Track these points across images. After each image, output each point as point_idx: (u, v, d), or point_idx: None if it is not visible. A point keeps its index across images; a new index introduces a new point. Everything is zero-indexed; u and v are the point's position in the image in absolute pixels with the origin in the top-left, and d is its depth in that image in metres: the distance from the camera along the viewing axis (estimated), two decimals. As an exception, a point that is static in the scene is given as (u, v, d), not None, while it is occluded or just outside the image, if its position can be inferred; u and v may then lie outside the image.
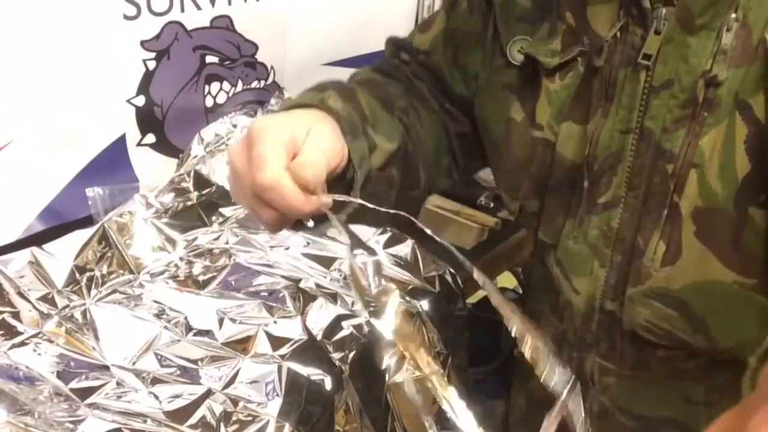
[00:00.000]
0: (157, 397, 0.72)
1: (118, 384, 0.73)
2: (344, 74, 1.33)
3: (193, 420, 0.69)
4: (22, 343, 0.77)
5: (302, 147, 0.55)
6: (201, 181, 1.02)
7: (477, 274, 0.54)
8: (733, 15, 0.55)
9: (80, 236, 0.88)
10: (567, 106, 0.65)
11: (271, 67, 1.15)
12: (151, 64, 0.98)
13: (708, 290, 0.60)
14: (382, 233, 0.94)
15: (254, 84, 1.14)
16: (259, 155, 0.53)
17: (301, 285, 0.87)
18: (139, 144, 1.02)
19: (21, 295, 0.81)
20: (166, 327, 0.81)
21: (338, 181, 0.61)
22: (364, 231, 0.99)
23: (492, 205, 1.16)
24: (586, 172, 0.64)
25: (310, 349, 0.78)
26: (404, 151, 0.70)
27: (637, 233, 0.62)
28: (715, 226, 0.57)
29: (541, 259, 0.74)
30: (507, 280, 1.56)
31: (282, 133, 0.55)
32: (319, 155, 0.55)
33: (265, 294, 0.86)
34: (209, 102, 1.09)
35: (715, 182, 0.56)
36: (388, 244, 0.93)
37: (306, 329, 0.80)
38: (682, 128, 0.57)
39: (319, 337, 0.80)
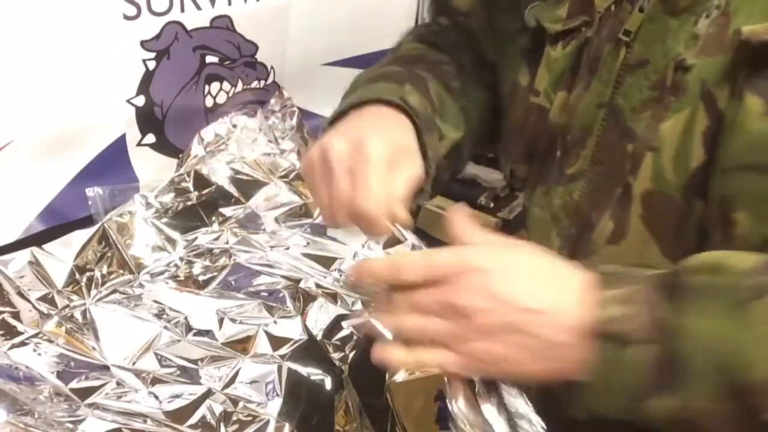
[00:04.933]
0: (157, 397, 0.72)
1: (118, 384, 0.73)
2: (344, 74, 1.33)
3: (193, 420, 0.69)
4: (22, 343, 0.77)
5: (396, 173, 0.60)
6: (201, 181, 1.02)
7: None
8: (716, 2, 0.54)
9: (80, 236, 0.88)
10: (566, 75, 0.65)
11: (271, 67, 1.15)
12: (151, 64, 0.98)
13: None
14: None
15: (254, 84, 1.14)
16: (364, 178, 0.58)
17: (301, 285, 0.87)
18: (139, 144, 1.02)
19: (21, 295, 0.81)
20: (166, 327, 0.81)
21: None
22: (359, 232, 0.98)
23: (492, 205, 1.16)
24: (560, 142, 0.64)
25: (310, 349, 0.78)
26: (466, 136, 0.73)
27: (593, 208, 0.61)
28: (660, 212, 0.56)
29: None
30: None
31: (385, 152, 0.59)
32: (409, 190, 0.61)
33: (265, 294, 0.86)
34: (209, 102, 1.08)
35: (668, 168, 0.55)
36: (388, 245, 0.93)
37: (306, 329, 0.80)
38: (649, 110, 0.57)
39: (319, 337, 0.80)
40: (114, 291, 0.87)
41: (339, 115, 0.68)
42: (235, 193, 1.04)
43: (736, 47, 0.51)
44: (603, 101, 0.60)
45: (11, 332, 0.78)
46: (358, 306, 0.85)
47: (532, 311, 0.47)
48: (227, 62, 1.08)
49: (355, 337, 0.81)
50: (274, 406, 0.71)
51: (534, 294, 0.48)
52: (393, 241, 0.61)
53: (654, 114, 0.56)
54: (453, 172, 0.75)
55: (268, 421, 0.69)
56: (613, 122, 0.60)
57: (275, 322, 0.81)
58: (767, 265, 0.45)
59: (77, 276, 0.86)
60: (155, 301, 0.85)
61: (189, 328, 0.81)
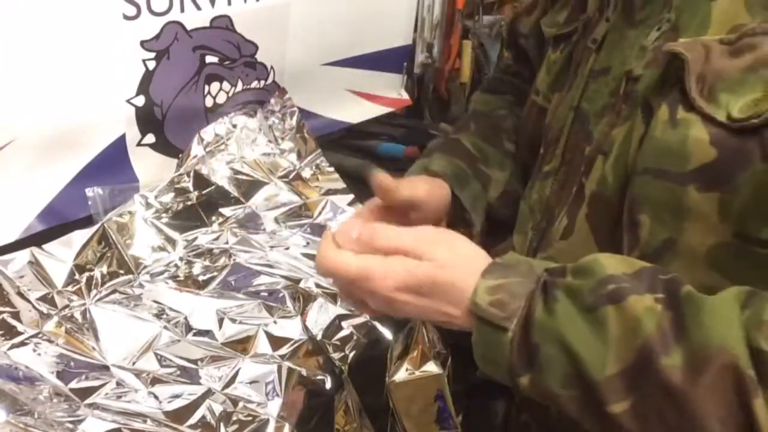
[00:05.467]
0: (157, 397, 0.72)
1: (118, 384, 0.73)
2: (344, 74, 1.34)
3: (193, 420, 0.69)
4: (22, 343, 0.77)
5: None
6: (201, 181, 1.02)
7: None
8: (667, 15, 0.56)
9: (80, 236, 0.88)
10: (561, 77, 0.69)
11: (271, 67, 1.15)
12: (151, 64, 0.98)
13: None
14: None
15: (254, 84, 1.14)
16: None
17: (301, 285, 0.87)
18: (139, 144, 1.02)
19: (21, 295, 0.81)
20: (166, 327, 0.81)
21: (461, 222, 0.75)
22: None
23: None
24: (543, 140, 0.68)
25: (310, 349, 0.78)
26: (514, 171, 0.79)
27: (557, 205, 0.64)
28: (601, 213, 0.58)
29: None
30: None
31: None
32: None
33: (265, 294, 0.86)
34: (209, 102, 1.08)
35: (610, 172, 0.57)
36: None
37: (306, 329, 0.80)
38: (606, 116, 0.59)
39: (319, 337, 0.80)
40: (114, 291, 0.87)
41: None
42: (235, 193, 1.04)
43: (666, 59, 0.53)
44: (573, 104, 0.63)
45: (11, 332, 0.78)
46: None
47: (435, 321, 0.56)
48: (227, 62, 1.08)
49: (355, 337, 0.81)
50: (274, 406, 0.71)
51: (443, 266, 0.53)
52: None
53: (609, 120, 0.59)
54: (518, 197, 0.80)
55: (268, 421, 0.69)
56: (579, 125, 0.63)
57: (275, 322, 0.81)
58: (645, 271, 0.49)
59: (77, 276, 0.86)
60: (155, 301, 0.85)
61: (189, 328, 0.81)
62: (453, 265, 0.53)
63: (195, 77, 1.05)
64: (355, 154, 1.28)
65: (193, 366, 0.76)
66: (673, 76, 0.52)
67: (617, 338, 0.46)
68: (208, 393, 0.72)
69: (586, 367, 0.47)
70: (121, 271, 0.90)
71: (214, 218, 1.01)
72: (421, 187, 0.70)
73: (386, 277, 0.53)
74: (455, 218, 0.75)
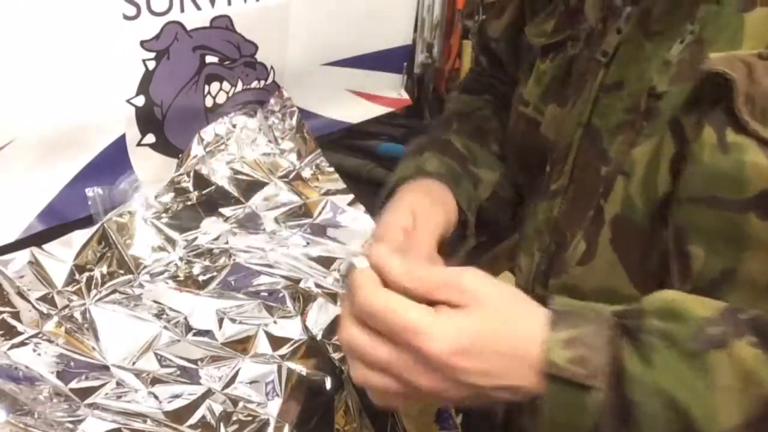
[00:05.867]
0: (157, 397, 0.72)
1: (118, 384, 0.73)
2: (344, 74, 1.33)
3: (193, 420, 0.69)
4: (22, 343, 0.77)
5: (418, 236, 0.65)
6: (201, 181, 1.02)
7: None
8: (689, 27, 0.53)
9: (80, 236, 0.88)
10: (554, 88, 0.65)
11: (271, 67, 1.15)
12: (151, 64, 0.98)
13: (612, 299, 0.56)
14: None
15: (254, 84, 1.14)
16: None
17: (301, 285, 0.87)
18: (139, 144, 1.02)
19: (21, 295, 0.81)
20: (166, 327, 0.81)
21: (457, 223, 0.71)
22: (359, 232, 0.99)
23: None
24: (549, 157, 0.65)
25: (310, 349, 0.78)
26: (505, 172, 0.77)
27: (569, 227, 0.61)
28: (629, 238, 0.55)
29: None
30: (507, 280, 1.56)
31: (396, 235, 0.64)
32: (435, 241, 0.66)
33: (265, 294, 0.86)
34: (209, 102, 1.08)
35: (637, 195, 0.54)
36: None
37: (306, 329, 0.80)
38: (623, 133, 0.56)
39: (319, 337, 0.80)
40: (114, 291, 0.87)
41: (385, 199, 0.73)
42: (235, 193, 1.04)
43: (701, 76, 0.50)
44: (582, 120, 0.60)
45: (11, 332, 0.78)
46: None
47: (499, 388, 0.46)
48: (227, 62, 1.08)
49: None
50: (274, 406, 0.71)
51: (499, 376, 0.45)
52: None
53: (627, 138, 0.56)
54: (507, 210, 0.79)
55: (268, 421, 0.69)
56: (589, 142, 0.59)
57: (275, 322, 0.81)
58: (726, 313, 0.45)
59: (77, 276, 0.86)
60: (155, 301, 0.85)
61: (189, 328, 0.81)
62: (508, 307, 0.47)
63: (195, 77, 1.05)
64: (355, 154, 1.28)
65: (193, 366, 0.76)
66: (709, 94, 0.49)
67: (729, 387, 0.42)
68: (208, 393, 0.72)
69: (697, 422, 0.42)
70: (121, 271, 0.90)
71: (214, 218, 1.01)
72: (438, 222, 0.67)
73: (440, 335, 0.44)
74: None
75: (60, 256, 0.86)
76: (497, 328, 0.45)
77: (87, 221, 0.95)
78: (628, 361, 0.44)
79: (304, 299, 0.85)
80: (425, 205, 0.68)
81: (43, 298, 0.82)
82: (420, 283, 0.46)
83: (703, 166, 0.49)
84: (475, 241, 0.74)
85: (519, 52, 0.78)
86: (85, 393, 0.72)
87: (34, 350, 0.77)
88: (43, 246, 0.86)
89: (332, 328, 0.81)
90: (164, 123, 1.04)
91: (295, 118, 1.14)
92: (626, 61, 0.57)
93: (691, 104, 0.51)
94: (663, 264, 0.52)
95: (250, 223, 1.01)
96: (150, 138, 1.03)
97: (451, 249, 0.68)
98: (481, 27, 0.88)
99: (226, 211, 1.02)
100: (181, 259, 0.94)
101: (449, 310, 0.45)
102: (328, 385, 0.74)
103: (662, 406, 0.42)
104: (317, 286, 0.88)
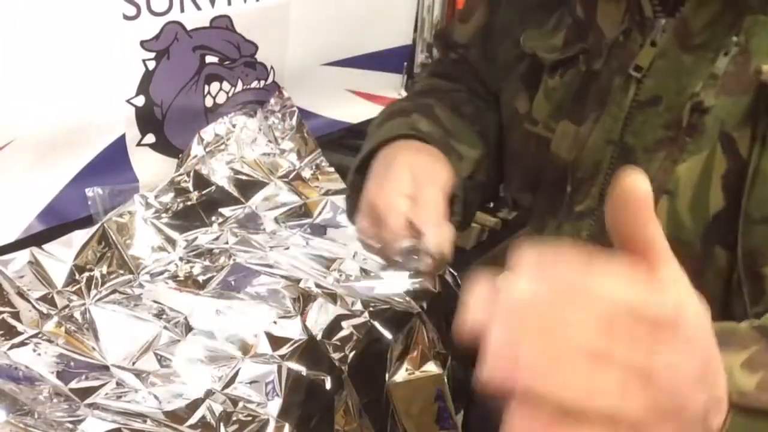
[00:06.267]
0: (157, 397, 0.72)
1: (118, 384, 0.73)
2: (344, 74, 1.33)
3: (193, 420, 0.69)
4: (22, 343, 0.77)
5: (426, 191, 0.60)
6: (201, 181, 1.02)
7: None
8: (734, 38, 0.51)
9: (80, 236, 0.88)
10: (566, 105, 0.63)
11: (271, 67, 1.15)
12: (151, 64, 0.98)
13: None
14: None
15: (254, 84, 1.14)
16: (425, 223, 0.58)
17: (301, 285, 0.87)
18: (139, 144, 1.02)
19: (21, 295, 0.81)
20: (166, 327, 0.81)
21: None
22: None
23: (492, 205, 1.16)
24: (570, 177, 0.62)
25: (310, 349, 0.78)
26: (486, 155, 0.72)
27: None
28: (678, 259, 0.52)
29: None
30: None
31: (410, 189, 0.60)
32: (445, 197, 0.61)
33: (265, 294, 0.86)
34: (209, 102, 1.08)
35: (685, 214, 0.52)
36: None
37: (306, 329, 0.80)
38: (662, 150, 0.54)
39: (319, 337, 0.80)
40: (114, 291, 0.87)
41: (366, 158, 0.69)
42: (235, 193, 1.04)
43: (756, 88, 0.48)
44: (613, 138, 0.58)
45: (11, 332, 0.78)
46: (358, 306, 0.85)
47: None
48: (227, 62, 1.08)
49: (355, 337, 0.81)
50: (274, 406, 0.71)
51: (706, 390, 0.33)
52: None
53: (668, 155, 0.53)
54: (484, 194, 0.74)
55: (268, 421, 0.69)
56: (623, 161, 0.57)
57: (275, 322, 0.81)
58: None
59: (77, 276, 0.86)
60: (155, 301, 0.85)
61: (189, 328, 0.81)
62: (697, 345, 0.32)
63: (195, 77, 1.05)
64: (355, 154, 1.27)
65: (193, 366, 0.76)
66: (766, 108, 0.47)
67: None
68: (208, 393, 0.72)
69: None
70: (121, 271, 0.90)
71: (214, 218, 1.01)
72: (443, 184, 0.63)
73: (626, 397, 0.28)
74: None
75: (60, 256, 0.86)
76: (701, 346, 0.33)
77: (87, 221, 0.95)
78: None
79: (304, 299, 0.85)
80: (424, 163, 0.63)
81: (43, 298, 0.82)
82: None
83: None
84: (459, 216, 0.68)
85: (493, 59, 0.74)
86: (85, 393, 0.72)
87: (34, 350, 0.77)
88: (43, 246, 0.86)
89: (332, 328, 0.81)
90: (164, 123, 1.04)
91: (295, 118, 1.14)
92: (664, 76, 0.54)
93: (746, 118, 0.49)
94: (723, 285, 0.51)
95: (250, 223, 1.01)
96: (150, 138, 1.03)
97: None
98: (441, 33, 0.83)
99: (226, 211, 1.02)
100: (181, 259, 0.94)
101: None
102: (328, 385, 0.74)
103: None
104: (317, 286, 0.88)
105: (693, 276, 0.45)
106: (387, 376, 0.80)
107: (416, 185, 0.61)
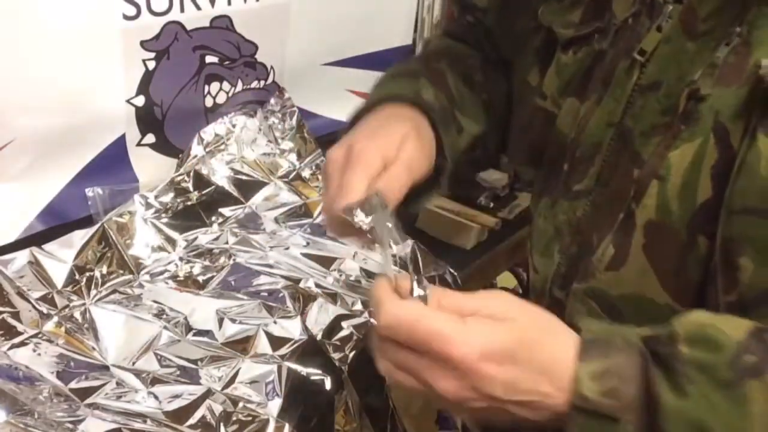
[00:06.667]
0: (157, 397, 0.72)
1: (118, 384, 0.73)
2: (344, 74, 1.33)
3: (193, 420, 0.69)
4: (22, 343, 0.77)
5: (392, 164, 0.59)
6: (201, 181, 1.02)
7: None
8: (738, 29, 0.51)
9: (80, 236, 0.88)
10: (575, 82, 0.63)
11: (271, 67, 1.15)
12: (151, 64, 0.98)
13: (641, 306, 0.56)
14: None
15: (254, 84, 1.14)
16: (347, 181, 0.57)
17: (301, 285, 0.87)
18: (139, 144, 1.02)
19: (21, 295, 0.81)
20: (166, 327, 0.81)
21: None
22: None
23: (492, 205, 1.16)
24: (568, 155, 0.62)
25: (310, 349, 0.78)
26: (488, 131, 0.72)
27: (595, 230, 0.59)
28: (663, 244, 0.53)
29: None
30: (507, 280, 1.56)
31: (374, 157, 0.58)
32: (403, 171, 0.59)
33: (265, 294, 0.86)
34: (209, 102, 1.08)
35: (674, 200, 0.52)
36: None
37: (306, 329, 0.80)
38: (658, 135, 0.54)
39: (319, 337, 0.80)
40: (114, 291, 0.87)
41: (361, 113, 0.68)
42: (235, 193, 1.04)
43: (753, 81, 0.48)
44: (613, 120, 0.58)
45: (11, 332, 0.78)
46: (358, 306, 0.85)
47: (522, 403, 0.45)
48: (227, 62, 1.08)
49: (355, 337, 0.81)
50: (274, 406, 0.71)
51: (523, 389, 0.45)
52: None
53: (663, 140, 0.54)
54: (478, 166, 0.76)
55: (268, 421, 0.69)
56: (621, 144, 0.57)
57: (275, 322, 0.81)
58: (756, 334, 0.44)
59: (77, 276, 0.86)
60: (155, 301, 0.85)
61: (189, 328, 0.81)
62: (539, 326, 0.47)
63: (195, 77, 1.05)
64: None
65: (193, 366, 0.76)
66: (762, 101, 0.47)
67: (762, 414, 0.42)
68: (208, 393, 0.72)
69: None
70: (121, 271, 0.90)
71: (214, 218, 1.01)
72: (417, 170, 0.62)
73: (468, 340, 0.43)
74: None
75: (60, 256, 0.86)
76: (528, 340, 0.45)
77: (87, 221, 0.95)
78: (662, 392, 0.43)
79: (304, 299, 0.85)
80: (413, 142, 0.62)
81: (43, 298, 0.82)
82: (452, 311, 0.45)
83: (759, 178, 0.47)
84: (445, 189, 0.69)
85: (510, 28, 0.74)
86: (85, 393, 0.72)
87: (34, 350, 0.77)
88: (43, 246, 0.86)
89: (332, 328, 0.81)
90: (164, 123, 1.04)
91: (295, 118, 1.14)
92: (666, 62, 0.55)
93: (741, 110, 0.49)
94: (701, 273, 0.51)
95: (250, 223, 1.01)
96: (150, 138, 1.03)
97: (418, 191, 0.63)
98: None
99: (226, 211, 1.02)
100: (181, 259, 0.94)
101: (480, 318, 0.45)
102: (328, 385, 0.74)
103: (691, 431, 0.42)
104: (317, 286, 0.88)
105: (675, 261, 0.51)
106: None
107: (396, 155, 0.60)
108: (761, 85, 0.47)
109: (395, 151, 0.60)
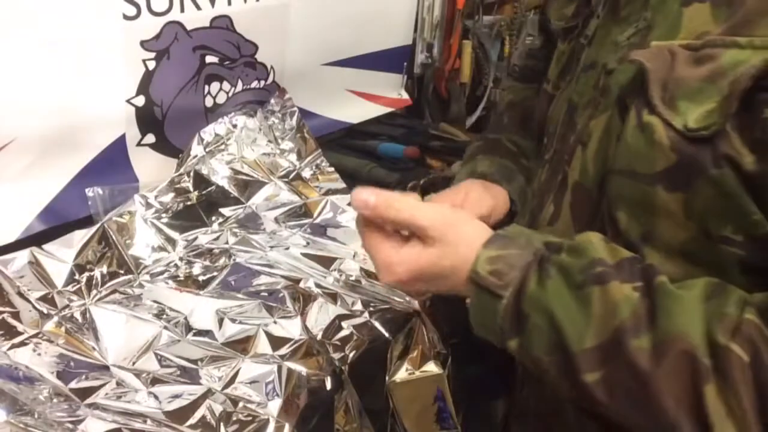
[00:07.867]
0: (157, 397, 0.72)
1: (118, 384, 0.73)
2: (344, 74, 1.33)
3: (193, 420, 0.69)
4: (22, 343, 0.77)
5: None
6: (201, 181, 1.02)
7: None
8: (645, 13, 0.57)
9: (80, 236, 0.88)
10: (567, 69, 0.71)
11: (271, 67, 1.15)
12: (151, 64, 0.98)
13: None
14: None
15: (254, 84, 1.14)
16: None
17: (301, 285, 0.87)
18: (139, 144, 1.02)
19: (21, 295, 0.81)
20: (166, 327, 0.81)
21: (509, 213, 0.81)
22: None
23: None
24: (546, 130, 0.72)
25: (310, 349, 0.78)
26: None
27: (546, 192, 0.67)
28: (582, 203, 0.61)
29: None
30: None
31: (440, 200, 0.76)
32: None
33: (265, 294, 0.86)
34: (209, 102, 1.08)
35: (590, 163, 0.59)
36: None
37: (306, 329, 0.80)
38: (589, 108, 0.61)
39: (319, 337, 0.80)
40: (114, 291, 0.87)
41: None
42: (235, 193, 1.04)
43: (637, 63, 0.54)
44: (568, 97, 0.66)
45: (11, 332, 0.78)
46: (358, 306, 0.85)
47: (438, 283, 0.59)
48: (227, 62, 1.08)
49: (355, 337, 0.81)
50: (274, 406, 0.71)
51: (446, 253, 0.57)
52: None
53: (590, 112, 0.61)
54: None
55: (268, 421, 0.69)
56: (568, 116, 0.65)
57: (275, 322, 0.81)
58: (626, 261, 0.52)
59: (77, 276, 0.86)
60: (155, 301, 0.85)
61: (189, 329, 0.81)
62: (456, 248, 0.57)
63: (195, 77, 1.05)
64: (355, 154, 1.28)
65: (193, 366, 0.76)
66: (642, 79, 0.54)
67: (598, 316, 0.50)
68: (208, 393, 0.72)
69: (567, 339, 0.51)
70: (121, 271, 0.90)
71: (214, 218, 1.01)
72: (485, 205, 0.78)
73: (401, 264, 0.58)
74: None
75: (60, 256, 0.86)
76: (443, 253, 0.57)
77: (87, 221, 0.95)
78: (530, 282, 0.53)
79: (304, 299, 0.85)
80: (478, 191, 0.79)
81: (43, 298, 0.82)
82: (395, 214, 0.57)
83: (627, 144, 0.54)
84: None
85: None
86: (85, 393, 0.72)
87: (34, 350, 0.77)
88: (43, 246, 0.86)
89: (332, 327, 0.82)
90: (164, 123, 1.04)
91: (295, 118, 1.14)
92: (599, 43, 0.63)
93: (632, 85, 0.55)
94: (603, 229, 0.58)
95: (250, 223, 1.01)
96: (150, 138, 1.03)
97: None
98: (543, 8, 0.94)
99: (226, 211, 1.02)
100: (181, 259, 0.94)
101: (413, 243, 0.58)
102: (328, 385, 0.74)
103: (545, 321, 0.52)
104: (317, 286, 0.88)
105: (588, 217, 0.61)
106: (387, 376, 0.80)
107: (464, 202, 0.77)
108: (642, 66, 0.54)
109: (463, 195, 0.78)
